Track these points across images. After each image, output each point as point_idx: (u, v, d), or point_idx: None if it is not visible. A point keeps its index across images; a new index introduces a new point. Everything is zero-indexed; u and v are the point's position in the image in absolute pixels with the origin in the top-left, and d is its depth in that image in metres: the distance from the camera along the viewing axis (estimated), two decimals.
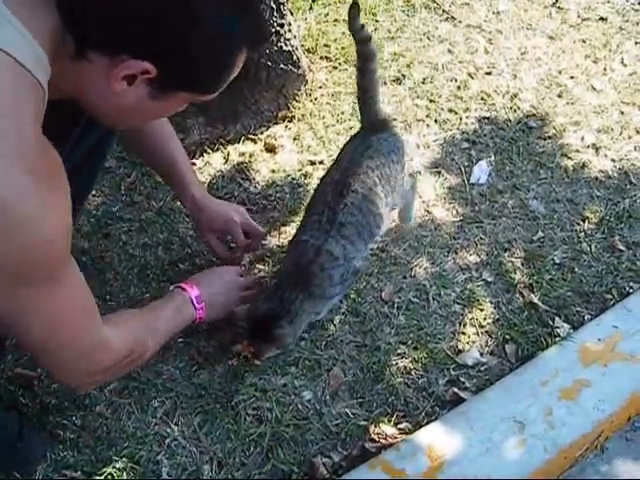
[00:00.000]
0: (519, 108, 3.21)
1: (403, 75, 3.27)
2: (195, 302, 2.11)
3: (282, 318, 2.19)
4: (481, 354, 2.36)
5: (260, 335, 2.23)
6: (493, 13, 3.72)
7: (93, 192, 2.72)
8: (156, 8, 1.32)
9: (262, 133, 3.03)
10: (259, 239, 2.49)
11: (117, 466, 2.07)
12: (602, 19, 3.73)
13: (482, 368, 2.32)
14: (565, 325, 2.42)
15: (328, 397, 2.24)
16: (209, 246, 2.45)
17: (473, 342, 2.38)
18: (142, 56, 1.34)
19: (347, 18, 2.25)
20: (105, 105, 1.50)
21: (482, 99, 3.24)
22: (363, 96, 2.37)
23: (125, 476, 2.06)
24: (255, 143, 2.99)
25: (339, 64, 3.33)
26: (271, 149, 2.96)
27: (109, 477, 2.05)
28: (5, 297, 1.38)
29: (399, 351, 2.35)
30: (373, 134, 2.37)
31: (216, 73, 1.51)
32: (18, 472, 2.06)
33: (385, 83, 3.24)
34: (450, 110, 3.17)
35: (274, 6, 2.89)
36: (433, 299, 2.49)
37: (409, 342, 2.37)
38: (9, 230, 1.28)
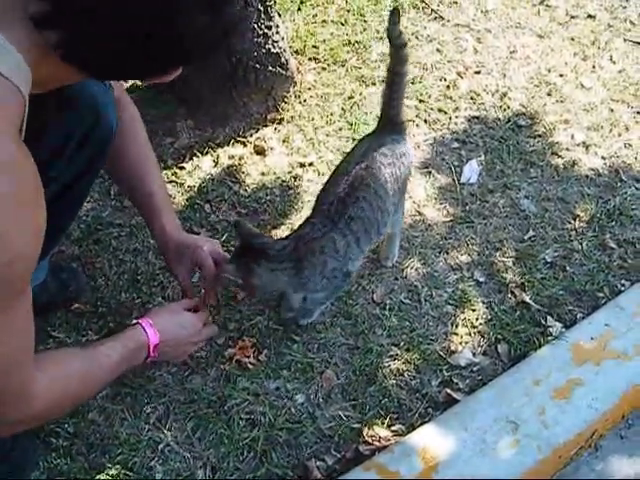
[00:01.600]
0: (509, 107, 3.21)
1: None
2: (151, 350, 1.93)
3: (267, 259, 2.16)
4: (474, 354, 2.36)
5: (239, 260, 2.18)
6: (481, 12, 3.72)
7: None
8: None
9: (251, 136, 3.02)
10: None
11: (110, 473, 2.07)
12: (590, 16, 3.73)
13: (475, 368, 2.32)
14: (557, 324, 2.43)
15: (321, 400, 2.24)
16: (176, 279, 2.29)
17: (465, 343, 2.38)
18: None
19: (387, 23, 2.26)
20: None
21: (471, 98, 3.24)
22: (389, 96, 2.36)
23: None
24: (244, 146, 2.98)
25: (328, 65, 3.32)
26: (260, 152, 2.96)
27: None
28: None
29: (391, 353, 2.35)
30: (388, 135, 2.37)
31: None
32: None
33: (374, 84, 3.24)
34: (440, 110, 3.17)
35: (261, 8, 2.89)
36: (425, 300, 2.49)
37: (401, 344, 2.37)
38: None
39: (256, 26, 2.89)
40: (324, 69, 3.31)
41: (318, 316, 2.40)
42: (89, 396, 1.89)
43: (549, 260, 2.62)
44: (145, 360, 1.95)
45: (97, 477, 2.06)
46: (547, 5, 3.79)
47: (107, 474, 2.07)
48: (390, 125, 2.39)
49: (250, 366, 2.29)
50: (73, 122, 1.86)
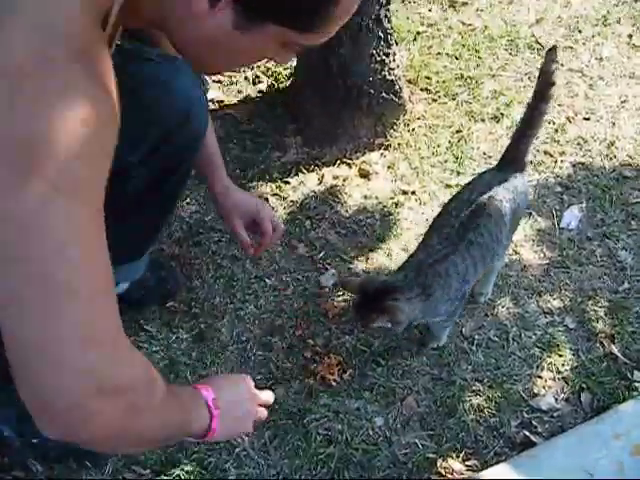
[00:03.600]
0: (615, 156, 3.18)
1: (502, 114, 3.27)
2: (212, 405, 1.49)
3: (399, 292, 2.16)
4: (556, 400, 2.35)
5: (371, 305, 2.18)
6: (596, 59, 3.69)
7: (187, 200, 2.79)
8: None
9: (357, 158, 3.06)
10: (280, 233, 2.28)
11: (185, 469, 2.13)
12: None
13: (555, 414, 2.32)
14: None
15: (399, 426, 2.26)
16: (232, 230, 2.22)
17: (549, 387, 2.38)
18: None
19: (544, 59, 2.30)
20: (185, 33, 1.30)
21: (578, 144, 3.22)
22: (524, 132, 2.38)
23: (192, 479, 2.10)
24: (350, 167, 3.02)
25: (439, 97, 3.34)
26: (365, 175, 2.99)
27: (177, 478, 2.11)
28: None
29: (474, 388, 2.36)
30: (512, 171, 2.38)
31: (312, 7, 1.23)
32: (89, 462, 2.13)
33: (483, 120, 3.25)
34: (545, 152, 3.16)
35: (382, 35, 2.93)
36: (513, 340, 2.49)
37: (485, 380, 2.38)
38: None
39: (375, 52, 2.94)
40: (434, 100, 3.34)
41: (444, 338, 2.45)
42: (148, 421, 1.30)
43: None
44: (209, 430, 1.50)
45: (172, 471, 2.12)
46: None
47: (182, 469, 2.12)
48: (516, 162, 2.40)
49: (333, 383, 2.33)
50: (163, 108, 1.86)
